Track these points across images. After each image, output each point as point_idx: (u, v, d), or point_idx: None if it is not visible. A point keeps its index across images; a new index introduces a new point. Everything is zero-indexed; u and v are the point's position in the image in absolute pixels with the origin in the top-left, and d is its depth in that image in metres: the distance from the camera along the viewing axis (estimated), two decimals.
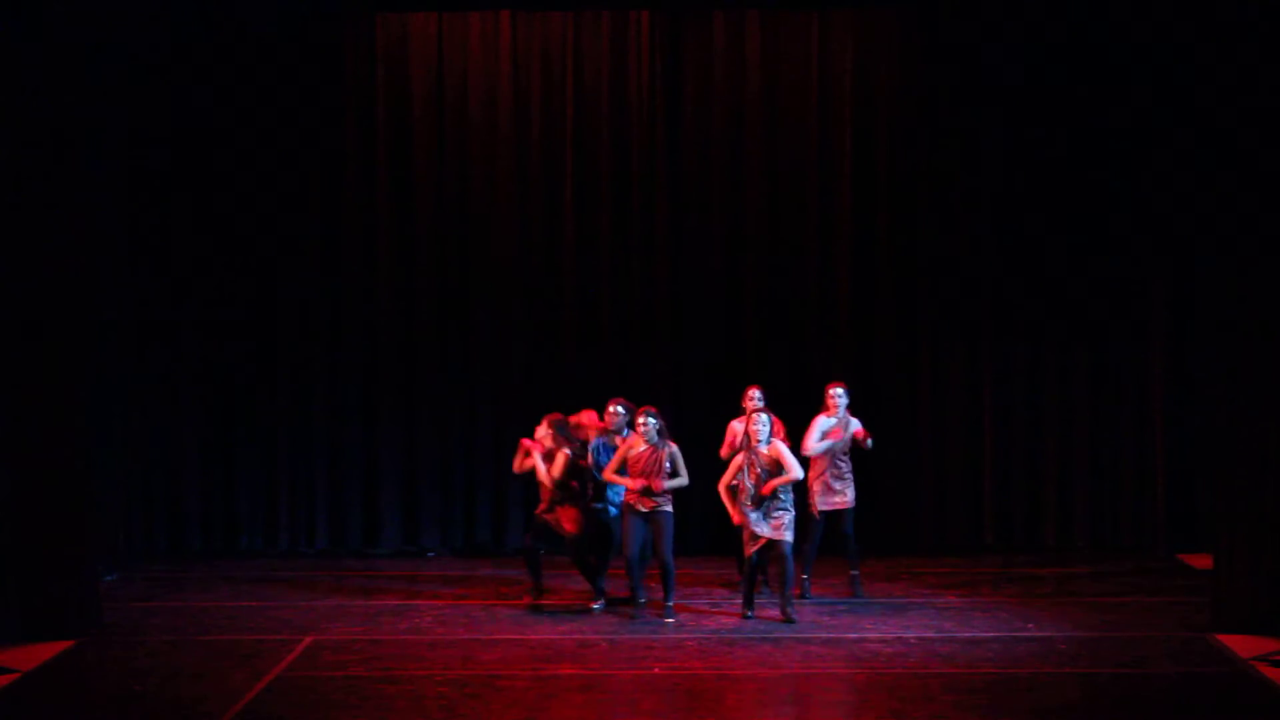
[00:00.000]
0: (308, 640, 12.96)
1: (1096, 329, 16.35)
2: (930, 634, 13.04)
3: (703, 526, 16.02)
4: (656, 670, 12.07)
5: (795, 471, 13.32)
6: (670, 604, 13.57)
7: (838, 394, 14.15)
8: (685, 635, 13.06)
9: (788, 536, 13.30)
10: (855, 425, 14.19)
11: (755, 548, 13.40)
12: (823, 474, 14.07)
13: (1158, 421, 16.24)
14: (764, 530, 13.29)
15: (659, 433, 13.45)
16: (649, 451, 13.43)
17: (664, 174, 16.39)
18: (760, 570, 13.81)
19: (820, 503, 14.07)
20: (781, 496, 13.32)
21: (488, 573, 15.52)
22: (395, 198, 16.47)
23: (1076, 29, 15.99)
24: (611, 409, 14.01)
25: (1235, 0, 13.07)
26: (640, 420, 13.46)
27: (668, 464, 13.41)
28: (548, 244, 16.48)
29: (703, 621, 13.52)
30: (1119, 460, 16.43)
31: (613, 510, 13.90)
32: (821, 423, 14.09)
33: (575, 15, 16.34)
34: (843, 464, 14.13)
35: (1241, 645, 12.60)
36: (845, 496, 14.14)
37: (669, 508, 13.48)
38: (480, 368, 16.47)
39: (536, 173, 16.47)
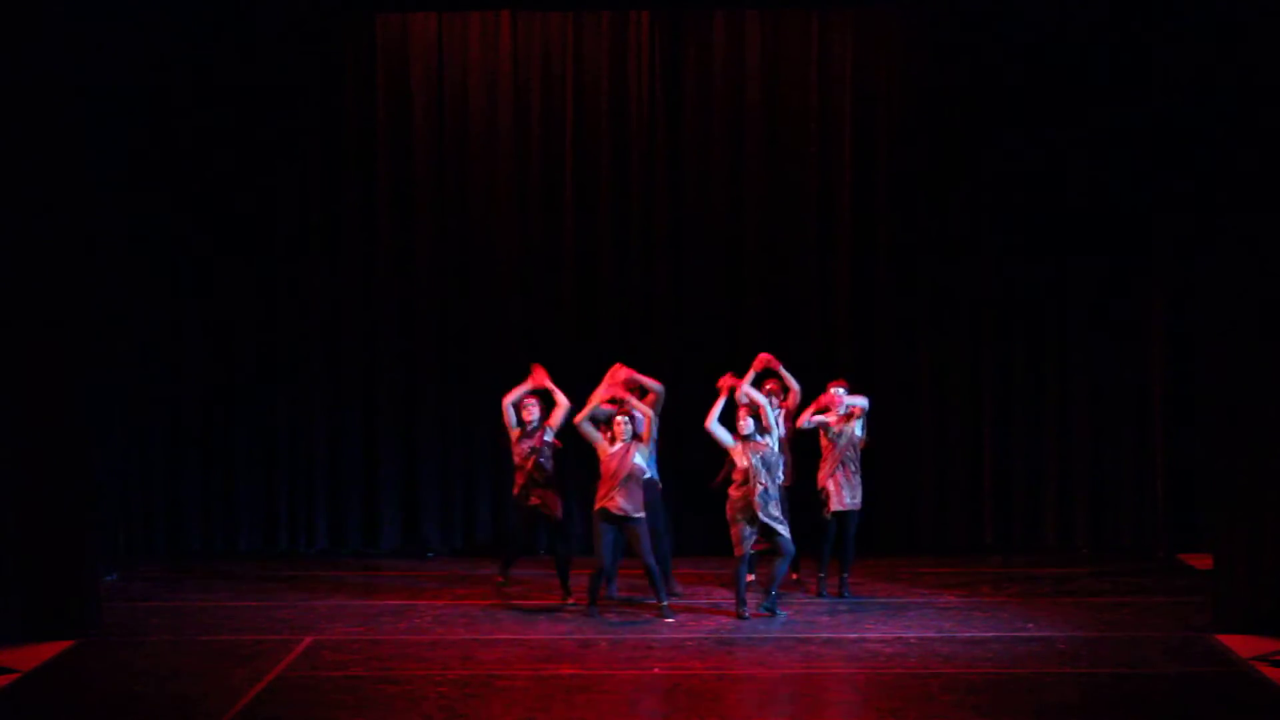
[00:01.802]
0: (308, 640, 12.95)
1: (1096, 329, 16.34)
2: (930, 634, 13.04)
3: (701, 526, 16.01)
4: (656, 670, 12.07)
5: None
6: (665, 604, 13.58)
7: (839, 393, 14.18)
8: (685, 635, 13.06)
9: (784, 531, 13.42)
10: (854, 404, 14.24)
11: (753, 547, 13.43)
12: (834, 474, 14.10)
13: (1158, 422, 16.24)
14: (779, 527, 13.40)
15: (634, 435, 13.52)
16: (621, 449, 13.46)
17: (664, 173, 16.39)
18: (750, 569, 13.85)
19: (835, 503, 14.10)
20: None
21: (488, 573, 15.47)
22: (395, 198, 16.46)
23: (1076, 29, 15.98)
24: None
25: (1235, 1, 13.08)
26: (619, 419, 13.51)
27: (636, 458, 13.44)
28: (548, 244, 16.48)
29: (703, 621, 13.52)
30: (1119, 460, 16.42)
31: None
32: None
33: (575, 15, 16.34)
34: (852, 465, 14.16)
35: (1241, 645, 12.60)
36: (856, 499, 14.18)
37: (640, 514, 13.48)
38: (480, 367, 16.46)
39: (536, 173, 16.47)
